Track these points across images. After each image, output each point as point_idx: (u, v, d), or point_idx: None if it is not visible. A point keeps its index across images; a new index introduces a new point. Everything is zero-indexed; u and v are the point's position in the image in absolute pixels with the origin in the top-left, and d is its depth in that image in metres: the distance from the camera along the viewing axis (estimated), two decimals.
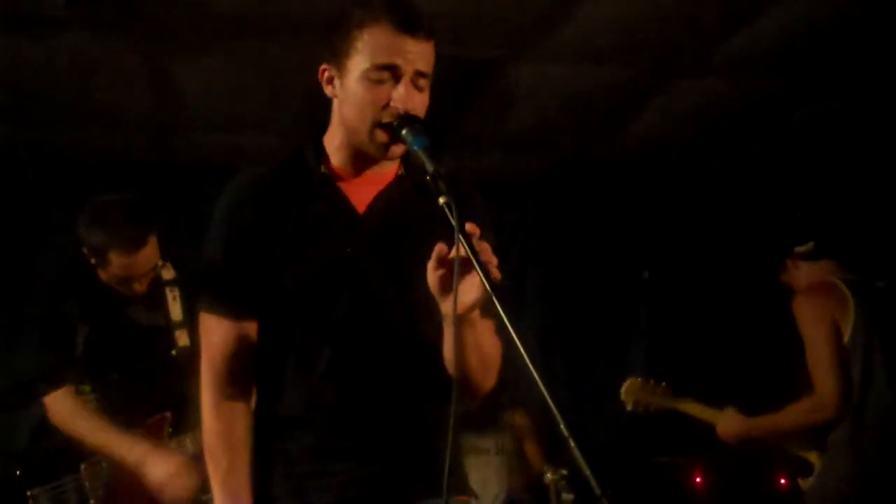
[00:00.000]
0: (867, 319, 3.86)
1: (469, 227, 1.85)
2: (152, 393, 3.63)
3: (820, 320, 3.84)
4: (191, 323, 3.57)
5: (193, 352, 3.41)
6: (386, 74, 2.09)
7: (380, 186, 2.23)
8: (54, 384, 3.57)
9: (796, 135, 5.82)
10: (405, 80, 2.09)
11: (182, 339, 3.64)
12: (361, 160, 2.22)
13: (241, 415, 2.19)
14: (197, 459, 3.41)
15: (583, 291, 6.52)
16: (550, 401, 1.65)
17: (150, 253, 3.52)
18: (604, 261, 6.64)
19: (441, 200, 1.89)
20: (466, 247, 1.82)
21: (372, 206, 2.22)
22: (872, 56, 4.92)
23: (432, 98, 2.17)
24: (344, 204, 2.21)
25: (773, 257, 4.25)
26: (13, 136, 5.65)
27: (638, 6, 4.36)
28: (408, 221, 2.19)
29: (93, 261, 3.54)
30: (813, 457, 3.93)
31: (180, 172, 5.87)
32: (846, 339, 3.83)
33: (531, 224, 6.49)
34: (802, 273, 4.10)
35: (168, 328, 3.66)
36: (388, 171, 2.25)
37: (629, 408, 4.40)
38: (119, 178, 5.80)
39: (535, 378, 1.69)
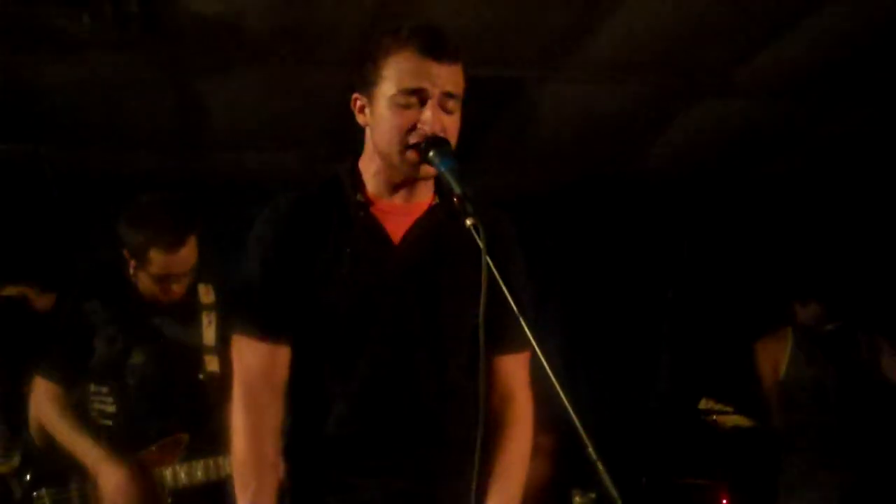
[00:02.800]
0: (803, 358, 4.92)
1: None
2: (171, 410, 3.56)
3: (764, 363, 5.05)
4: (223, 350, 3.51)
5: (221, 378, 3.45)
6: (413, 99, 2.10)
7: (415, 216, 2.24)
8: (46, 375, 3.56)
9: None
10: (431, 102, 2.11)
11: (212, 364, 3.58)
12: (396, 188, 2.24)
13: (271, 437, 2.19)
14: (204, 488, 3.45)
15: (606, 310, 6.51)
16: (578, 423, 1.65)
17: (189, 252, 3.48)
18: (628, 279, 6.63)
19: (468, 222, 1.91)
20: (493, 269, 1.84)
21: (407, 236, 2.23)
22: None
23: None
24: (379, 232, 2.22)
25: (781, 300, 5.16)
26: (40, 155, 5.69)
27: (661, 25, 4.36)
28: (442, 251, 2.21)
29: (132, 262, 3.50)
30: None
31: (206, 191, 5.90)
32: (780, 374, 4.96)
33: (555, 242, 6.48)
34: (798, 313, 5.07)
35: (198, 349, 3.61)
36: (423, 200, 2.26)
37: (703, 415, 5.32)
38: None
39: (563, 401, 1.69)
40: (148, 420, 3.54)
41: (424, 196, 2.26)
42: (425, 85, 2.10)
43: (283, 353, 2.21)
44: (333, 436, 2.17)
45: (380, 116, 2.15)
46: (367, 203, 2.24)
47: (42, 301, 3.96)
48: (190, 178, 6.03)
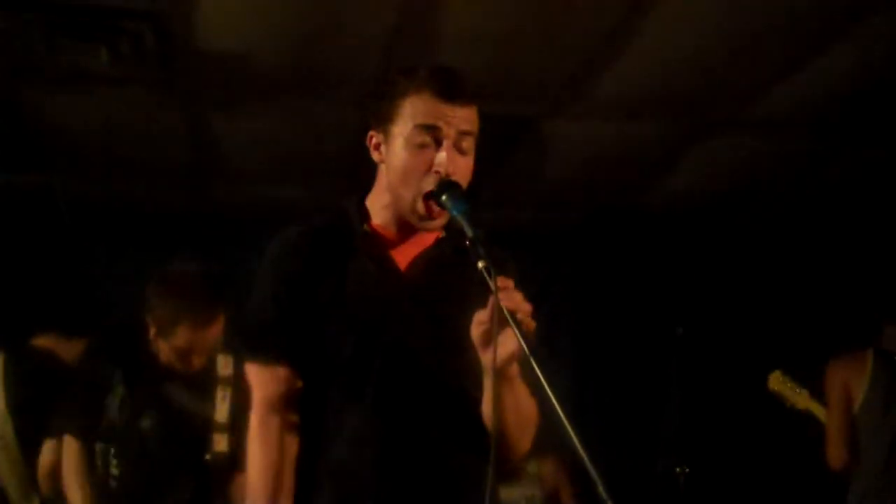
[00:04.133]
0: (886, 389, 4.23)
1: (502, 281, 1.88)
2: (173, 483, 3.49)
3: (832, 389, 4.29)
4: (234, 428, 3.42)
5: (230, 458, 3.41)
6: (428, 138, 2.13)
7: (422, 247, 2.26)
8: (71, 432, 3.53)
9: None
10: (447, 143, 2.13)
11: (220, 444, 3.45)
12: (404, 222, 2.25)
13: (285, 466, 2.19)
14: None
15: (615, 347, 6.50)
16: (588, 461, 1.67)
17: (218, 330, 3.42)
18: (637, 316, 6.62)
19: (480, 265, 1.93)
20: (507, 314, 1.85)
21: (413, 266, 2.24)
22: None
23: None
24: (386, 261, 2.24)
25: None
26: (54, 188, 5.73)
27: (672, 64, 4.38)
28: (447, 282, 2.22)
29: (154, 330, 3.42)
30: None
31: (219, 225, 5.93)
32: (856, 407, 4.24)
33: (564, 279, 6.49)
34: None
35: (208, 424, 3.49)
36: (430, 233, 2.27)
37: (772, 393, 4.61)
38: (158, 231, 5.88)
39: (573, 440, 1.71)
40: (150, 488, 3.48)
41: (437, 225, 2.26)
42: (440, 124, 2.13)
43: (296, 380, 2.21)
44: (339, 464, 2.17)
45: (395, 155, 2.18)
46: (374, 234, 2.26)
47: (70, 349, 3.91)
48: (202, 211, 6.07)
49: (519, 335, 1.84)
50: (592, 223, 6.42)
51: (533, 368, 1.83)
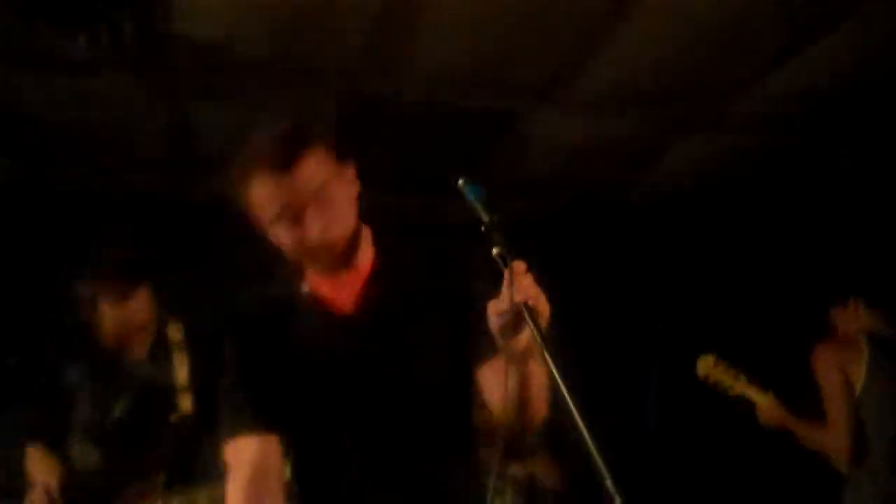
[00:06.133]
0: (882, 373, 4.12)
1: (517, 265, 1.92)
2: (147, 453, 3.59)
3: (827, 374, 4.14)
4: (195, 388, 3.59)
5: (195, 417, 3.56)
6: (283, 220, 2.17)
7: (357, 284, 2.29)
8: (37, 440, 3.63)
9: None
10: (305, 212, 2.16)
11: (185, 403, 3.60)
12: (331, 268, 2.28)
13: None
14: None
15: (595, 342, 6.50)
16: (597, 454, 1.66)
17: (141, 306, 3.54)
18: (617, 311, 6.63)
19: (494, 252, 1.95)
20: (525, 311, 1.88)
21: (355, 310, 2.28)
22: (890, 112, 4.93)
23: (450, 148, 2.23)
24: (329, 315, 2.28)
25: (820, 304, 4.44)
26: (30, 175, 5.69)
27: (655, 60, 4.39)
28: (391, 314, 2.26)
29: (87, 317, 3.55)
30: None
31: (196, 214, 5.90)
32: (858, 391, 4.12)
33: (544, 272, 6.48)
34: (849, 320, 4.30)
35: (170, 389, 3.62)
36: (362, 267, 2.31)
37: (702, 379, 4.59)
38: (134, 219, 5.84)
39: (581, 432, 1.71)
40: (127, 465, 3.57)
41: (364, 261, 2.31)
42: (282, 205, 2.16)
43: (276, 444, 2.26)
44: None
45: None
46: (312, 290, 2.31)
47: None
48: (181, 199, 6.04)
49: (532, 324, 1.87)
50: (574, 217, 6.41)
51: (546, 358, 1.85)
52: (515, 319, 1.90)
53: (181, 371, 3.61)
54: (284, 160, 2.16)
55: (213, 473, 3.44)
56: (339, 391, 2.24)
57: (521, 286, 1.89)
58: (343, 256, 2.22)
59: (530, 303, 1.88)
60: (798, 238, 6.36)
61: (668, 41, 4.22)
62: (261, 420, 2.25)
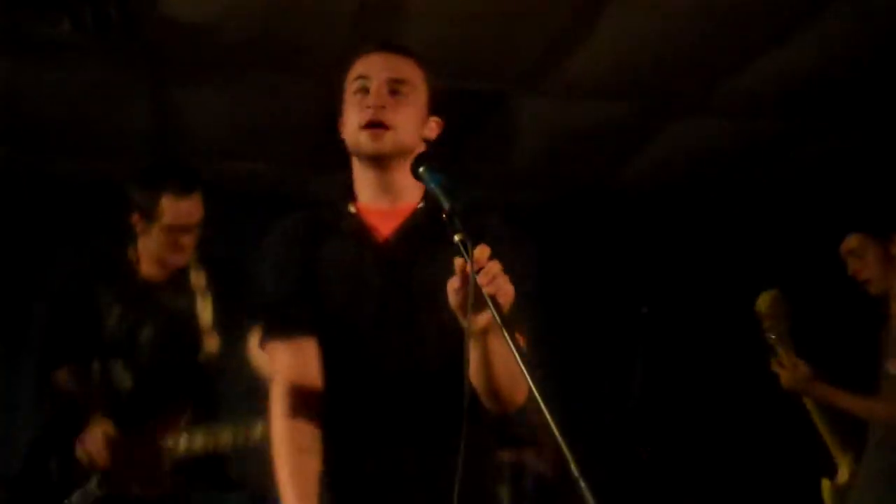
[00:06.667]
0: None
1: (480, 250, 1.90)
2: (177, 381, 3.70)
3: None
4: (221, 330, 3.69)
5: (219, 358, 3.69)
6: (358, 86, 2.31)
7: (401, 218, 2.34)
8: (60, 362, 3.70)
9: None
10: (374, 86, 2.29)
11: (210, 344, 3.70)
12: (383, 192, 2.35)
13: (309, 426, 2.24)
14: (203, 457, 3.60)
15: (581, 326, 6.52)
16: (561, 438, 1.67)
17: (197, 204, 3.62)
18: (602, 296, 6.64)
19: (456, 238, 1.94)
20: (483, 289, 1.87)
21: (392, 237, 2.32)
22: (875, 97, 4.94)
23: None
24: (364, 238, 2.32)
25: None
26: (15, 160, 5.67)
27: (642, 44, 4.39)
28: (427, 251, 2.28)
29: (139, 222, 3.63)
30: (843, 461, 4.13)
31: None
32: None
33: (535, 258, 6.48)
34: None
35: (196, 328, 3.71)
36: (410, 202, 2.35)
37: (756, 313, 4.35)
38: (120, 203, 5.82)
39: (546, 416, 1.71)
40: (157, 390, 3.67)
41: (412, 198, 2.35)
42: (366, 72, 2.31)
43: (312, 350, 2.28)
44: (347, 426, 2.26)
45: (345, 115, 2.34)
46: (358, 213, 2.35)
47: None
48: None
49: (493, 309, 1.85)
50: (559, 201, 6.42)
51: (508, 339, 1.82)
52: (475, 300, 1.89)
53: (205, 312, 3.71)
54: (397, 46, 2.37)
55: (237, 412, 3.61)
56: (359, 317, 2.27)
57: (484, 273, 1.88)
58: (386, 136, 2.27)
59: (490, 289, 1.87)
60: (784, 223, 6.39)
61: (654, 26, 4.22)
62: (294, 325, 2.29)
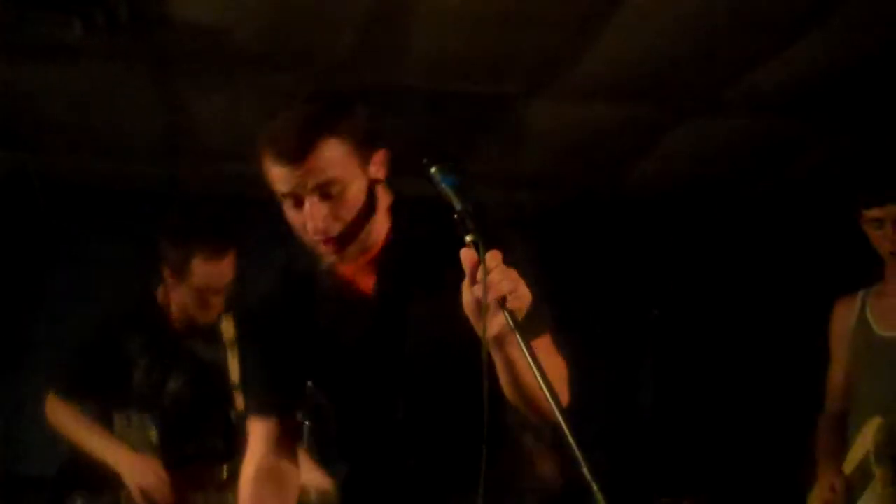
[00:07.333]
0: None
1: (491, 254, 1.85)
2: (207, 433, 3.68)
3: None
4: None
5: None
6: (291, 201, 2.13)
7: (375, 263, 2.26)
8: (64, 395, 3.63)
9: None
10: (306, 206, 2.11)
11: (240, 402, 3.59)
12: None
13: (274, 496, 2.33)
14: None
15: (591, 328, 6.51)
16: (573, 441, 1.67)
17: (229, 266, 3.52)
18: (613, 298, 6.64)
19: (468, 239, 1.90)
20: (499, 303, 1.84)
21: (375, 290, 2.27)
22: (887, 98, 4.93)
23: (442, 134, 2.22)
24: (351, 294, 2.28)
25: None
26: (26, 163, 5.68)
27: (650, 45, 4.38)
28: (410, 290, 2.25)
29: (170, 277, 3.55)
30: None
31: (192, 201, 5.90)
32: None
33: (540, 261, 6.48)
34: None
35: (227, 382, 3.68)
36: (378, 239, 2.27)
37: None
38: (130, 207, 5.85)
39: (557, 418, 1.71)
40: (186, 441, 3.63)
41: (379, 233, 2.26)
42: (292, 190, 2.11)
43: (287, 426, 2.39)
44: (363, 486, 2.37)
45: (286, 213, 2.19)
46: (330, 268, 2.28)
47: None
48: (176, 187, 6.04)
49: (507, 315, 1.83)
50: (569, 204, 6.42)
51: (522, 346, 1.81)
52: (489, 306, 1.85)
53: (235, 368, 3.64)
54: (297, 150, 2.08)
55: None
56: (356, 370, 2.28)
57: (494, 279, 1.83)
58: (343, 244, 2.16)
59: (502, 294, 1.83)
60: (795, 225, 6.37)
61: (662, 29, 4.21)
62: (275, 402, 2.36)
